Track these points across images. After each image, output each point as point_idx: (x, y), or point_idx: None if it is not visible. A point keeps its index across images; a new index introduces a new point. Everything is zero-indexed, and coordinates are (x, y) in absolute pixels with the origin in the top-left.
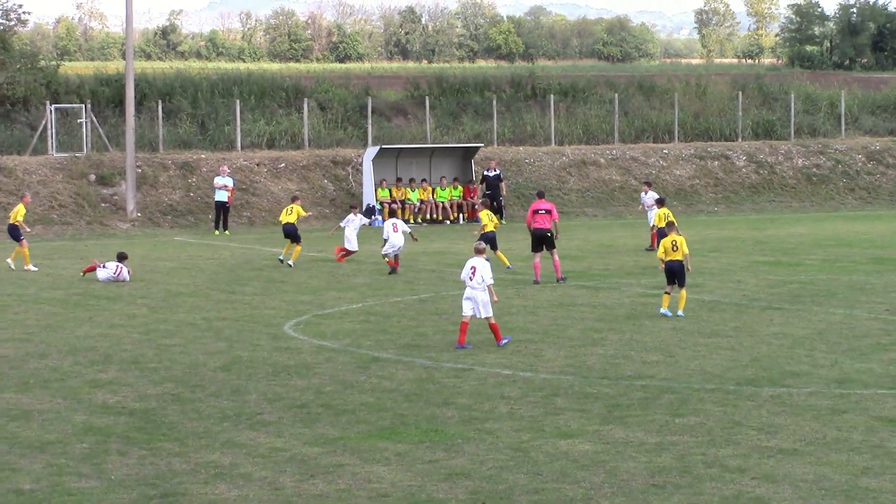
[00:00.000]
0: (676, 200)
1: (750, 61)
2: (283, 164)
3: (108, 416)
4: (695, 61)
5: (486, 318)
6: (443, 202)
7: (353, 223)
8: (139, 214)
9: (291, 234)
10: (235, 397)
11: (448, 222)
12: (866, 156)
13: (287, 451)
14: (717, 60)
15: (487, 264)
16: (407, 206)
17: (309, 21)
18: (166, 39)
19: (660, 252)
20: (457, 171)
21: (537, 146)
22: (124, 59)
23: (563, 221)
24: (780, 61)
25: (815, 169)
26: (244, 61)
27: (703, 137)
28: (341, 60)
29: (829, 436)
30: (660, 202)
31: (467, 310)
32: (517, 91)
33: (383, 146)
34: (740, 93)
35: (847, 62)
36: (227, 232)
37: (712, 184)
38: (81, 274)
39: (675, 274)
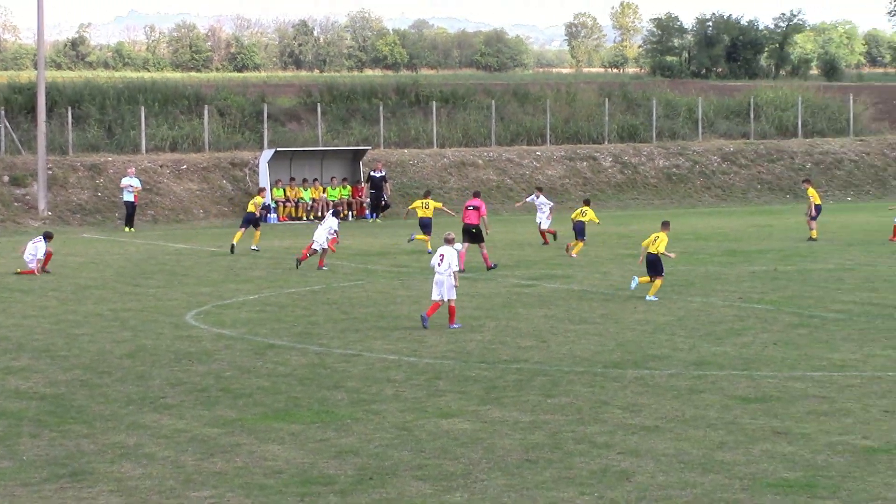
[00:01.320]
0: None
1: (615, 70)
2: (185, 166)
3: (20, 401)
4: (565, 70)
5: (449, 301)
6: (333, 200)
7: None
8: (50, 213)
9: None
10: (140, 382)
11: (343, 218)
12: (721, 157)
13: (188, 432)
14: (586, 70)
15: (455, 252)
16: (300, 204)
17: (209, 33)
18: (76, 50)
19: (644, 243)
20: (346, 171)
21: (421, 149)
22: (36, 68)
23: (445, 219)
24: (642, 70)
25: (674, 169)
26: (149, 71)
27: (572, 140)
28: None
29: (687, 413)
30: (586, 202)
31: (435, 294)
32: (402, 98)
33: (278, 149)
34: (607, 99)
35: (704, 71)
36: (132, 229)
37: (581, 183)
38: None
39: (650, 263)
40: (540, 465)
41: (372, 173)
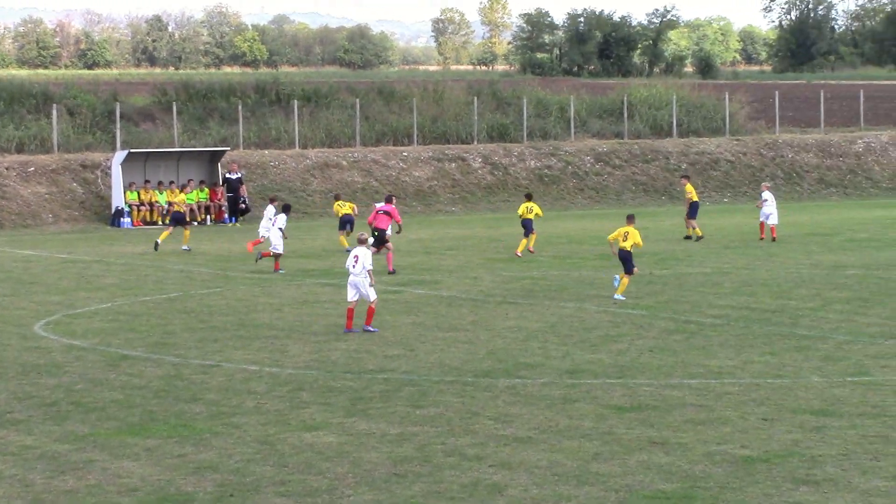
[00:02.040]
0: (416, 201)
1: (484, 68)
2: (32, 168)
3: None
4: (432, 68)
5: (370, 301)
6: (190, 204)
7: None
8: None
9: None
10: None
11: (195, 224)
12: (594, 157)
13: (37, 449)
14: (454, 67)
15: (369, 253)
16: (155, 207)
17: (57, 29)
18: None
19: (612, 236)
20: (204, 173)
21: (282, 150)
22: None
23: (306, 222)
24: (512, 68)
25: (546, 170)
26: None
27: (440, 140)
28: (90, 67)
29: (561, 424)
30: (528, 196)
31: (352, 296)
32: (262, 97)
33: (132, 150)
34: (475, 98)
35: (575, 69)
36: None
37: (450, 185)
38: None
39: (623, 260)
40: (409, 480)
41: (227, 175)
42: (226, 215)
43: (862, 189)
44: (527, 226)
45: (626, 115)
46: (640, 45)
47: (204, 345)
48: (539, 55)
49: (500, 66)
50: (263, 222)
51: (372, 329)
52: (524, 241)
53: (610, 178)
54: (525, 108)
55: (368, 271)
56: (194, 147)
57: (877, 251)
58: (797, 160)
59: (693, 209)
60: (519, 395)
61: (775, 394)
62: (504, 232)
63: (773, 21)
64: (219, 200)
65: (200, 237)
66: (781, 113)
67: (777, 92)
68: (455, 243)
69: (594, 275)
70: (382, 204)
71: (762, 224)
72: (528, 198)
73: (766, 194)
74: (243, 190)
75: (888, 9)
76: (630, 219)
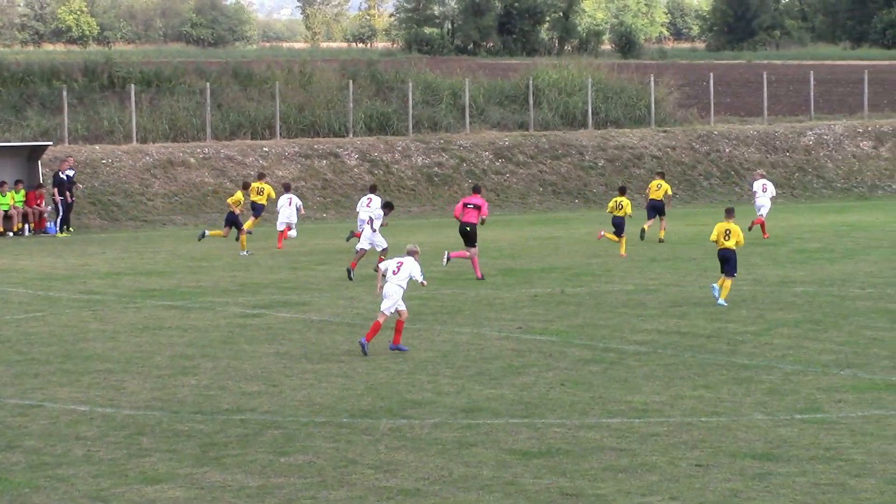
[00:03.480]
0: None
1: (361, 45)
2: None
3: None
4: (298, 45)
5: (399, 314)
6: (5, 210)
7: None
8: None
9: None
10: None
11: (11, 234)
12: (494, 153)
13: None
14: (324, 44)
15: (417, 266)
16: None
17: None
18: None
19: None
20: (21, 173)
21: (116, 144)
22: None
23: (146, 232)
24: (395, 45)
25: (436, 168)
26: None
27: (308, 133)
28: None
29: (455, 472)
30: (622, 190)
31: (386, 305)
32: (92, 80)
33: None
34: (351, 81)
35: (471, 46)
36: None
37: (320, 186)
38: None
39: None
40: None
41: (60, 174)
42: (49, 224)
43: (812, 189)
44: (618, 225)
45: (531, 101)
46: (548, 18)
47: (22, 381)
48: (427, 30)
49: (381, 44)
50: (284, 213)
51: (404, 349)
52: (622, 240)
53: (513, 178)
54: (410, 94)
55: (422, 282)
56: (9, 141)
57: (830, 264)
58: (736, 155)
59: (650, 208)
60: (405, 439)
61: (711, 435)
62: (388, 242)
63: None
64: (39, 206)
65: (17, 250)
66: (717, 99)
67: (712, 74)
68: (327, 257)
69: (494, 294)
70: (470, 195)
71: (761, 221)
72: (622, 191)
73: (758, 184)
74: (75, 191)
75: None
76: (729, 213)
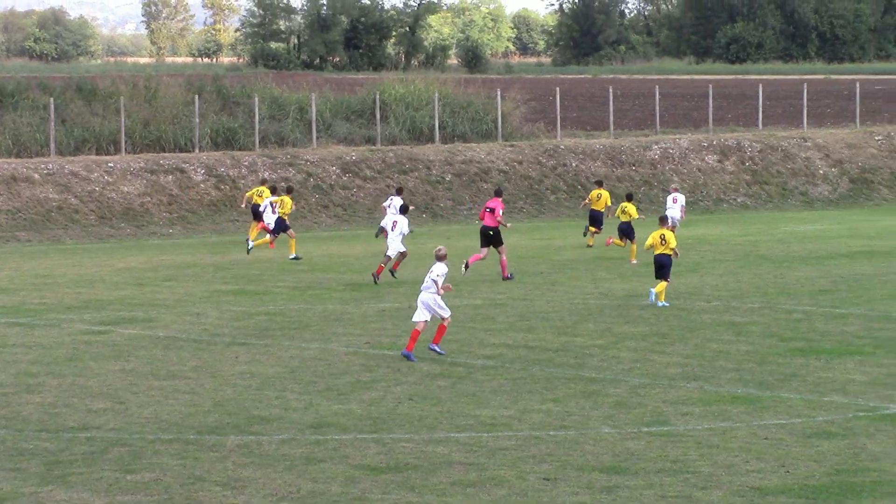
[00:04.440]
0: (124, 222)
1: (207, 60)
2: None
3: None
4: (143, 60)
5: (442, 319)
6: None
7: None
8: None
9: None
10: None
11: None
12: (341, 167)
13: None
14: (170, 59)
15: (445, 268)
16: None
17: None
18: None
19: None
20: None
21: None
22: None
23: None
24: (241, 60)
25: (283, 183)
26: None
27: (154, 148)
28: None
29: (304, 489)
30: (629, 197)
31: (419, 315)
32: None
33: None
34: (196, 96)
35: (318, 61)
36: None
37: (166, 201)
38: None
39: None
40: None
41: None
42: None
43: (658, 203)
44: (624, 230)
45: (378, 116)
46: (394, 33)
47: None
48: (273, 45)
49: (227, 58)
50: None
51: (439, 350)
52: (633, 246)
53: (360, 192)
54: (257, 109)
55: (441, 286)
56: None
57: (675, 277)
58: (582, 169)
59: (597, 221)
60: (253, 455)
61: (559, 448)
62: (232, 259)
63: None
64: None
65: None
66: (563, 114)
67: (558, 89)
68: (173, 272)
69: (342, 309)
70: (491, 199)
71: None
72: (629, 198)
73: (670, 197)
74: None
75: None
76: (663, 221)
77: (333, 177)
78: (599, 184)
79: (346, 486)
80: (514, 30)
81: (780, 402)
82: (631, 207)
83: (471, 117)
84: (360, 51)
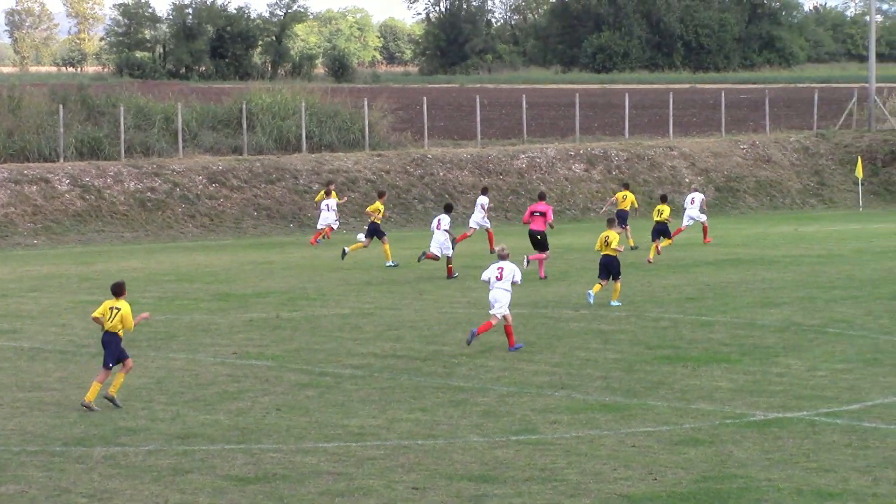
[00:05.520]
0: None
1: (71, 69)
2: None
3: None
4: (7, 70)
5: (504, 318)
6: None
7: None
8: None
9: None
10: None
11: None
12: (207, 177)
13: None
14: (34, 69)
15: (515, 267)
16: None
17: None
18: None
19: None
20: None
21: None
22: None
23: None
24: (106, 69)
25: (149, 193)
26: None
27: (18, 158)
28: None
29: (171, 500)
30: (663, 198)
31: (495, 309)
32: None
33: None
34: (61, 106)
35: (183, 70)
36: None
37: (31, 212)
38: None
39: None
40: None
41: None
42: None
43: (525, 211)
44: (661, 231)
45: (245, 125)
46: (260, 43)
47: None
48: (139, 54)
49: (92, 68)
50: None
51: (519, 346)
52: (653, 245)
53: (227, 202)
54: (122, 119)
55: (514, 283)
56: None
57: (544, 286)
58: (450, 179)
59: (623, 220)
60: (119, 467)
61: (427, 457)
62: (98, 269)
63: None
64: None
65: None
66: (431, 123)
67: (425, 98)
68: (38, 283)
69: (209, 319)
70: (536, 203)
71: (688, 228)
72: (663, 199)
73: (687, 198)
74: None
75: (552, 0)
76: (611, 223)
77: (200, 186)
78: (626, 186)
79: (214, 497)
80: (381, 39)
81: (648, 410)
82: (665, 208)
83: (338, 126)
84: (227, 60)
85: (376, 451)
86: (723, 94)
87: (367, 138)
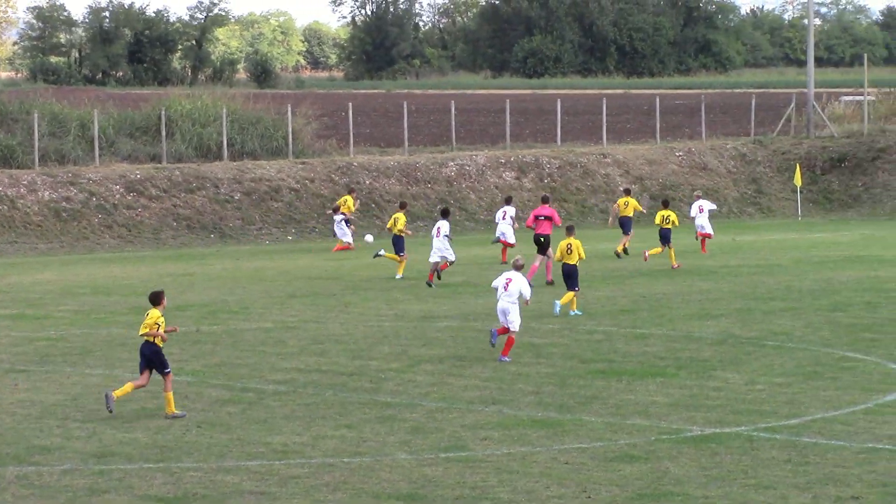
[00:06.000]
0: None
1: None
2: None
3: None
4: None
5: (511, 331)
6: None
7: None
8: None
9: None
10: None
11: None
12: (125, 186)
13: None
14: None
15: (525, 281)
16: None
17: None
18: None
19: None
20: None
21: None
22: None
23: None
24: (19, 75)
25: (64, 203)
26: None
27: None
28: None
29: None
30: (665, 203)
31: (502, 319)
32: None
33: None
34: None
35: (100, 76)
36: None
37: None
38: None
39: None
40: None
41: None
42: None
43: (456, 222)
44: (665, 236)
45: (164, 133)
46: (180, 47)
47: None
48: (53, 59)
49: (4, 73)
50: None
51: (507, 359)
52: (671, 250)
53: (145, 212)
54: (36, 126)
55: (527, 300)
56: None
57: (474, 298)
58: (377, 187)
59: (626, 227)
60: (33, 487)
61: (354, 475)
62: (11, 282)
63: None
64: None
65: None
66: (357, 130)
67: (351, 104)
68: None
69: (127, 333)
70: (540, 207)
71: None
72: (665, 204)
73: (694, 206)
74: None
75: (481, 2)
76: (570, 230)
77: (117, 196)
78: (627, 192)
79: None
80: (305, 43)
81: (582, 426)
82: (673, 214)
83: (260, 134)
84: (145, 65)
85: (300, 470)
86: (657, 100)
87: (290, 146)
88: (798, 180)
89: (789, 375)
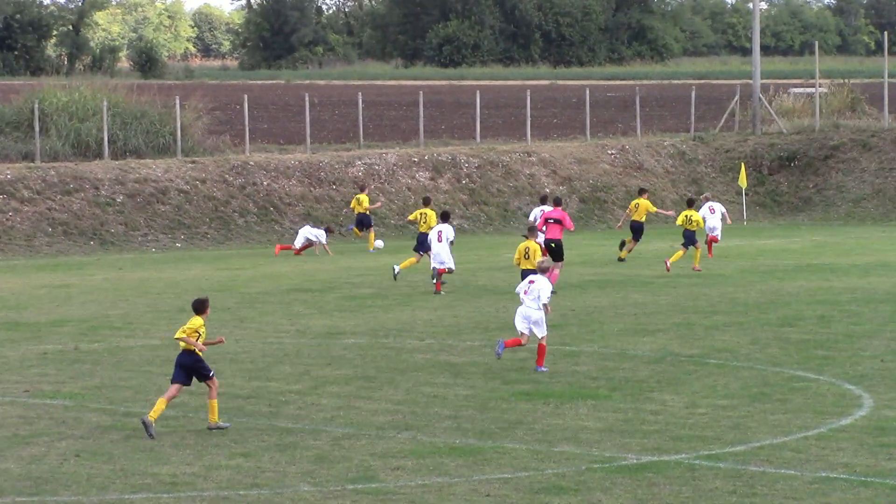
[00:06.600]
0: None
1: None
2: None
3: None
4: None
5: (540, 338)
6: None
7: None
8: None
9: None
10: None
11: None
12: None
13: None
14: None
15: (548, 283)
16: None
17: None
18: None
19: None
20: None
21: None
22: None
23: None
24: None
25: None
26: None
27: None
28: None
29: None
30: (689, 203)
31: (520, 325)
32: None
33: None
34: None
35: None
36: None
37: None
38: None
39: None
40: None
41: None
42: None
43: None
44: (689, 237)
45: (37, 128)
46: (55, 33)
47: None
48: None
49: None
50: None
51: (544, 369)
52: (697, 252)
53: (17, 217)
54: None
55: (545, 305)
56: None
57: (384, 312)
58: (276, 189)
59: (637, 232)
60: None
61: None
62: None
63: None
64: None
65: None
66: (253, 125)
67: (246, 96)
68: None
69: None
70: (550, 209)
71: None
72: (690, 204)
73: (704, 208)
74: None
75: None
76: (532, 231)
77: None
78: (642, 192)
79: None
80: (195, 29)
81: (505, 454)
82: (697, 215)
83: (145, 129)
84: (16, 53)
85: (191, 503)
86: (587, 92)
87: (178, 143)
88: (743, 181)
89: (734, 397)
